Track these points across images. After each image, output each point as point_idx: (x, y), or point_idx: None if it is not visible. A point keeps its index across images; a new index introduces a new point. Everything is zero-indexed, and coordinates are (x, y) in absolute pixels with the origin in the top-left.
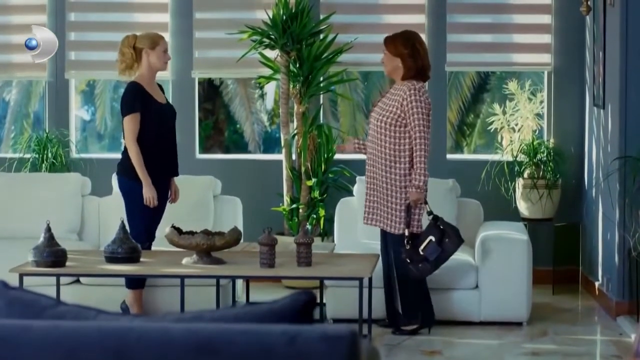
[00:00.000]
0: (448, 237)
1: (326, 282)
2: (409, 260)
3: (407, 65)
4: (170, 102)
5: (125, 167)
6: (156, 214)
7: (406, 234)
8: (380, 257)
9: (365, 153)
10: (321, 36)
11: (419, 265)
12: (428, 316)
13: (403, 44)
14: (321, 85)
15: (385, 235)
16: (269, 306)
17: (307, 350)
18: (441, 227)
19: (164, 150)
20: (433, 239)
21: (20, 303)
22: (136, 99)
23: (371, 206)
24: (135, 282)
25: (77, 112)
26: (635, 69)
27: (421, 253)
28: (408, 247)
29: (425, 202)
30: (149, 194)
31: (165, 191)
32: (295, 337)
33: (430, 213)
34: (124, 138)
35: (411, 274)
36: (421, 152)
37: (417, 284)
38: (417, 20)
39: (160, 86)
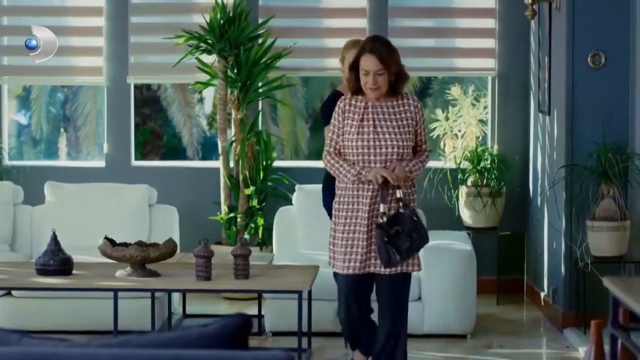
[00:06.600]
0: (417, 232)
1: (265, 294)
2: (386, 239)
3: (404, 77)
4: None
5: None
6: None
7: (382, 210)
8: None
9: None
10: (260, 41)
11: (392, 251)
12: None
13: (396, 55)
14: (260, 91)
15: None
16: (201, 330)
17: None
18: (415, 218)
19: None
20: (399, 229)
21: None
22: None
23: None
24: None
25: (14, 116)
26: (581, 74)
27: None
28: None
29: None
30: None
31: None
32: None
33: (406, 205)
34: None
35: (384, 256)
36: (426, 159)
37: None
38: (358, 24)
39: None
